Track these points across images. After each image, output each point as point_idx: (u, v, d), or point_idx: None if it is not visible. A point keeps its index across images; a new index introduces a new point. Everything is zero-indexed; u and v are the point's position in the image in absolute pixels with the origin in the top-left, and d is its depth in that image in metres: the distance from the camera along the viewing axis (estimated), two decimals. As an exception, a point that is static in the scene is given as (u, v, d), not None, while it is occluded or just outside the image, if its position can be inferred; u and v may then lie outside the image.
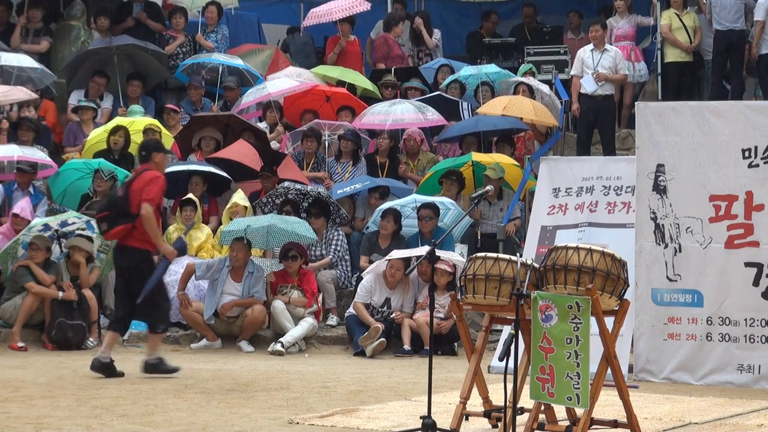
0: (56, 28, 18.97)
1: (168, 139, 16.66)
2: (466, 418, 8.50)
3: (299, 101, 17.70)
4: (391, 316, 13.90)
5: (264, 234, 14.63)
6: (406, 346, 13.67)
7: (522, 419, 8.07)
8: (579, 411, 8.04)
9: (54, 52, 18.74)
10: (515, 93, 17.35)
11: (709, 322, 11.50)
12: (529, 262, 8.27)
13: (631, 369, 11.71)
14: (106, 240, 12.31)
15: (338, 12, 18.90)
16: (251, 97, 17.55)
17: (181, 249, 12.06)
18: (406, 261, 13.86)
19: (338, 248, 15.04)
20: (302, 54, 20.16)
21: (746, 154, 11.46)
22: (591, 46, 17.46)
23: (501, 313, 8.43)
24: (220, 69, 18.29)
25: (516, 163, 15.95)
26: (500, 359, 8.59)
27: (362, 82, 18.48)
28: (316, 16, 19.12)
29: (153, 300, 11.52)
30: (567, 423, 8.19)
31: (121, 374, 11.47)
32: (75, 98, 17.85)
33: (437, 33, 20.40)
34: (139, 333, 14.16)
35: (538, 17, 21.36)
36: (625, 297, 8.20)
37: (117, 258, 11.94)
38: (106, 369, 11.45)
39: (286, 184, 15.31)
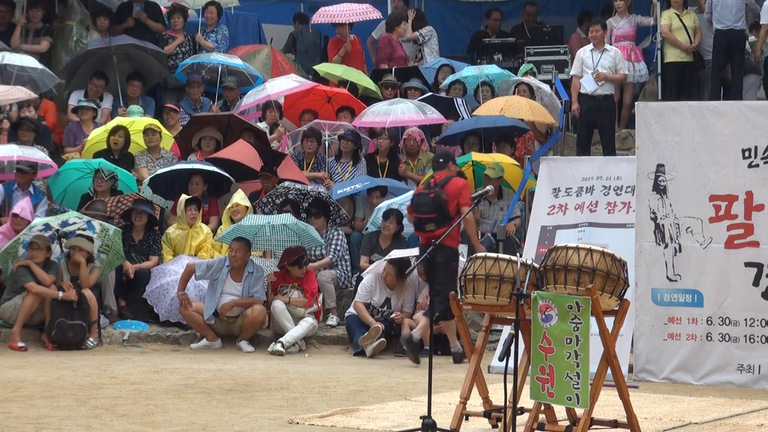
0: (55, 28, 18.96)
1: (168, 139, 16.67)
2: (466, 418, 8.50)
3: (300, 101, 17.69)
4: (391, 316, 13.90)
5: (272, 233, 14.59)
6: (406, 346, 13.66)
7: (522, 419, 8.07)
8: (579, 411, 8.04)
9: (53, 53, 18.74)
10: (515, 93, 17.35)
11: (709, 322, 11.50)
12: (529, 262, 8.27)
13: (631, 369, 11.70)
14: (432, 239, 12.72)
15: (353, 15, 18.95)
16: (251, 98, 17.56)
17: (489, 247, 13.82)
18: (403, 262, 13.84)
19: (338, 248, 15.04)
20: (308, 56, 20.12)
21: (746, 154, 11.46)
22: (591, 46, 17.46)
23: (501, 313, 8.43)
24: (220, 69, 18.29)
25: (516, 162, 15.94)
26: (500, 359, 8.60)
27: (366, 81, 18.47)
28: (329, 15, 19.12)
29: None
30: (567, 423, 8.19)
31: (417, 362, 12.61)
32: (75, 98, 17.83)
33: (426, 29, 20.30)
34: (139, 333, 14.17)
35: (538, 17, 21.34)
36: (625, 297, 8.20)
37: (432, 255, 12.33)
38: (413, 347, 12.63)
39: (286, 184, 15.30)
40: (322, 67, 18.71)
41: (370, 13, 19.23)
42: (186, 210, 14.93)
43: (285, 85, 17.65)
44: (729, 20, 17.82)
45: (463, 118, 17.21)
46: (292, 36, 20.78)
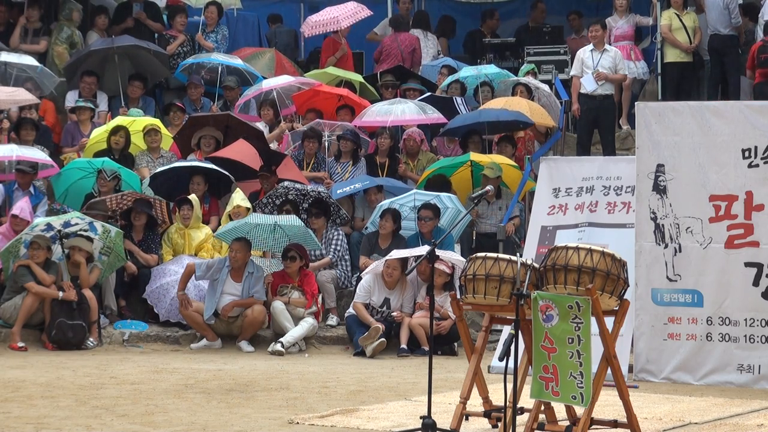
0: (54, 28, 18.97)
1: (167, 139, 16.66)
2: (466, 418, 8.50)
3: (310, 101, 17.62)
4: (392, 314, 13.90)
5: (272, 234, 14.59)
6: (403, 346, 13.66)
7: (522, 419, 8.08)
8: (579, 411, 8.04)
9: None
10: (513, 94, 17.36)
11: (709, 322, 11.50)
12: (529, 262, 8.27)
13: (631, 369, 11.71)
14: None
15: (344, 20, 18.83)
16: (249, 94, 17.67)
17: None
18: (404, 260, 13.85)
19: (338, 248, 15.03)
20: (284, 55, 20.12)
21: (746, 154, 11.46)
22: (591, 46, 17.47)
23: (501, 313, 8.44)
24: (220, 69, 18.28)
25: (514, 164, 15.93)
26: (500, 359, 8.60)
27: (355, 75, 18.52)
28: (321, 24, 19.00)
29: None
30: (567, 423, 8.20)
31: None
32: (71, 98, 17.78)
33: (432, 40, 20.34)
34: (139, 333, 14.17)
35: (545, 17, 21.28)
36: (625, 297, 8.20)
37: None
38: None
39: (286, 184, 15.30)
40: (326, 71, 18.71)
41: (360, 12, 19.12)
42: (180, 210, 14.95)
43: (280, 80, 17.70)
44: (713, 24, 17.95)
45: (463, 115, 17.23)
46: (267, 37, 20.77)
